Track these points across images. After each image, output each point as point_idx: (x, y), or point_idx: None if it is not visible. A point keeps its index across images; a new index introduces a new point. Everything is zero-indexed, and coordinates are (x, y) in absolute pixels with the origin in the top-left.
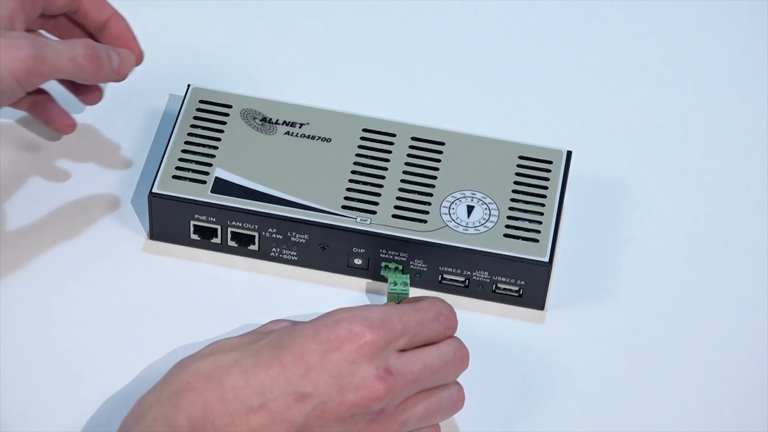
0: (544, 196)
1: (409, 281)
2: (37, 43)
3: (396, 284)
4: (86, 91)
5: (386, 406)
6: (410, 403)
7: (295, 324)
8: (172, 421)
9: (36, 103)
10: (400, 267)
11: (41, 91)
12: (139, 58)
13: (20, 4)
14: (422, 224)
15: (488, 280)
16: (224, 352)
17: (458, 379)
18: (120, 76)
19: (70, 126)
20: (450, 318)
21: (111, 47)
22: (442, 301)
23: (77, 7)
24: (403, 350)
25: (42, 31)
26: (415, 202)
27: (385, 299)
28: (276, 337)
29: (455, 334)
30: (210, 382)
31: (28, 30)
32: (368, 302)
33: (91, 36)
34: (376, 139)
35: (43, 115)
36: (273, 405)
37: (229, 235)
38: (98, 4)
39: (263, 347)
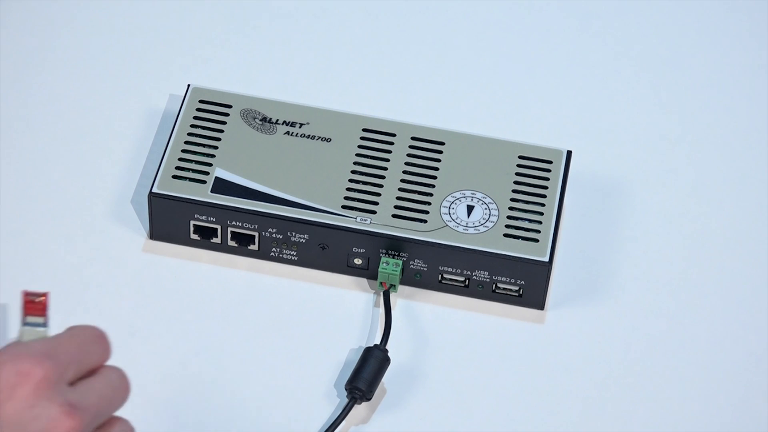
0: (544, 196)
1: (401, 265)
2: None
3: (388, 264)
4: None
5: None
6: None
7: None
8: None
9: None
10: (400, 263)
11: None
12: None
13: None
14: (422, 224)
15: (488, 280)
16: None
17: (459, 380)
18: None
19: None
20: (105, 338)
21: None
22: (87, 325)
23: None
24: (71, 383)
25: None
26: (415, 201)
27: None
28: None
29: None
30: None
31: None
32: (369, 302)
33: None
34: (376, 139)
35: None
36: None
37: (229, 235)
38: None
39: None
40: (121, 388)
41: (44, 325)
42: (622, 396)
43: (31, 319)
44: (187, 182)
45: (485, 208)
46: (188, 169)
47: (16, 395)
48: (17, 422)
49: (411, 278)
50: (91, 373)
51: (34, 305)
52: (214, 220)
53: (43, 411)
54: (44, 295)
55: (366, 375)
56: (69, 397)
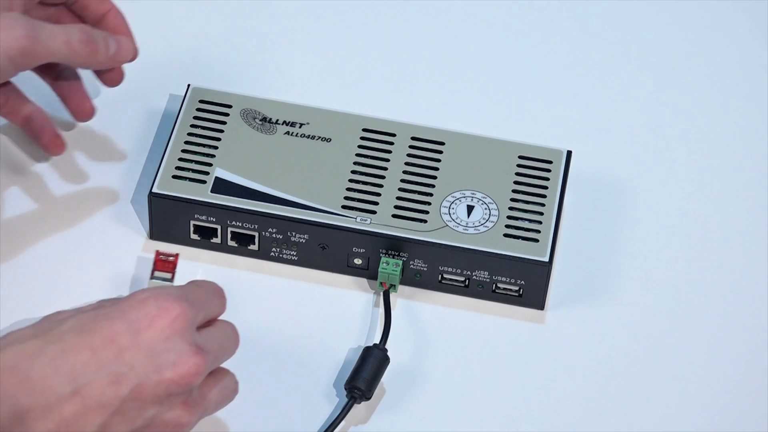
0: (544, 196)
1: (401, 265)
2: (32, 25)
3: (388, 264)
4: (105, 72)
5: (195, 388)
6: (206, 388)
7: (87, 311)
8: None
9: (58, 85)
10: (400, 263)
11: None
12: (134, 53)
13: None
14: (422, 224)
15: (488, 280)
16: (23, 342)
17: (459, 380)
18: (116, 63)
19: (89, 111)
20: (223, 293)
21: (110, 34)
22: (208, 280)
23: None
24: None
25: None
26: (415, 201)
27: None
28: (77, 322)
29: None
30: (15, 374)
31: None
32: (369, 302)
33: None
34: (376, 139)
35: (63, 94)
36: (86, 390)
37: (229, 235)
38: None
39: (66, 333)
40: (234, 340)
41: (171, 280)
42: (622, 396)
43: (159, 274)
44: (187, 182)
45: (485, 208)
46: (188, 169)
47: (155, 325)
48: (151, 350)
49: (411, 278)
50: (209, 323)
51: (165, 263)
52: (214, 220)
53: (175, 345)
54: (175, 255)
55: (365, 374)
56: (197, 339)
